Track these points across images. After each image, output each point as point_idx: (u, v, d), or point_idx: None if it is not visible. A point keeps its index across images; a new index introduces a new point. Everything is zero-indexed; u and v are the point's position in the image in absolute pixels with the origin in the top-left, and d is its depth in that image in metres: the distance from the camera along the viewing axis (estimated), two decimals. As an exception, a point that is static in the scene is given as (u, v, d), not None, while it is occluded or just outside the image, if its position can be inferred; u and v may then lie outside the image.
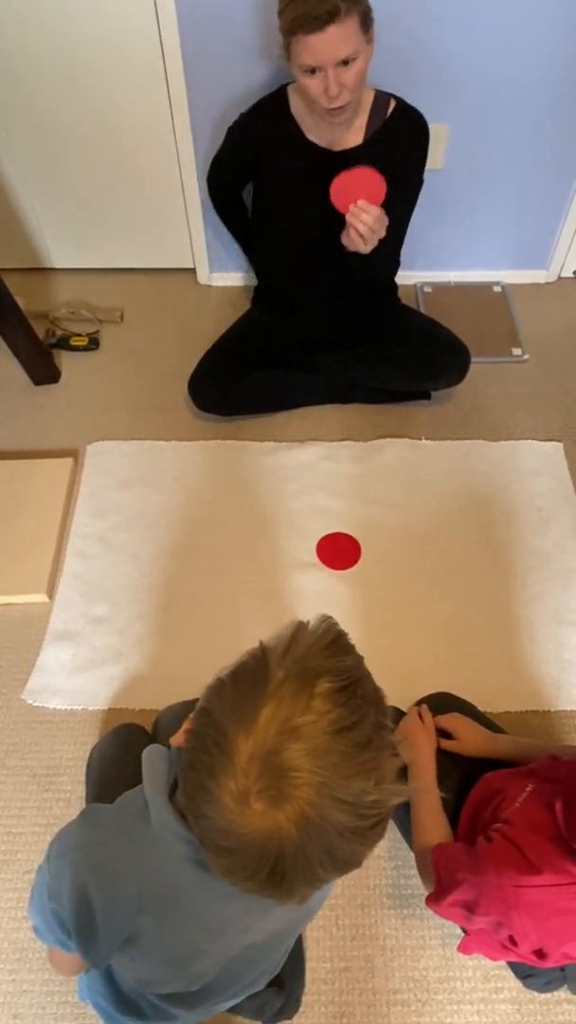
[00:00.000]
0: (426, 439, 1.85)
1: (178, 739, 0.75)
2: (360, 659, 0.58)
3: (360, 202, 1.40)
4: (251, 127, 1.61)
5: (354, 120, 1.53)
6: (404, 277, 2.06)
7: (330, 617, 0.59)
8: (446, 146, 1.87)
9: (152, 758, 0.73)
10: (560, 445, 1.84)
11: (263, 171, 1.65)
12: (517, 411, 1.92)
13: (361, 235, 1.42)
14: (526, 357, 2.03)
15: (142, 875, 0.68)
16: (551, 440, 1.85)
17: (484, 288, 2.21)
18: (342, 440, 1.85)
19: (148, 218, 2.10)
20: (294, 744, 0.51)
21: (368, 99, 1.54)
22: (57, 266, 2.25)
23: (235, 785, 0.52)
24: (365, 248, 1.45)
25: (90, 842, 0.70)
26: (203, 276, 2.22)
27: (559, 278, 2.23)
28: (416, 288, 2.19)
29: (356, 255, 1.49)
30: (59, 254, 2.22)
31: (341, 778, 0.51)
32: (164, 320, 2.14)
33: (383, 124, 1.54)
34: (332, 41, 1.30)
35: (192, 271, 2.23)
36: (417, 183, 1.63)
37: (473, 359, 1.83)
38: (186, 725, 0.59)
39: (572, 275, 2.23)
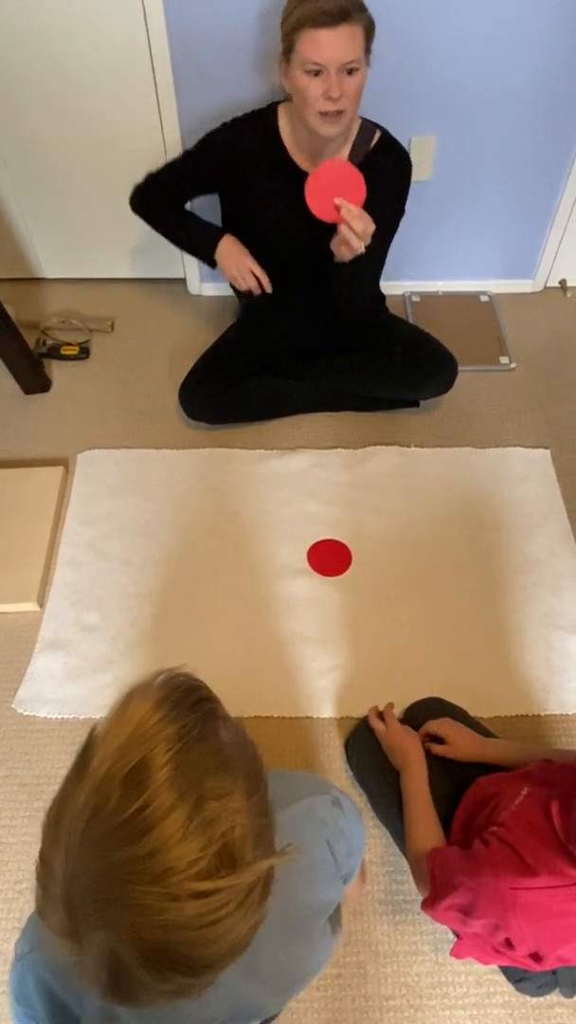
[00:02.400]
0: (416, 446, 1.86)
1: None
2: (201, 715, 0.51)
3: (339, 200, 1.36)
4: (235, 141, 1.56)
5: (342, 146, 1.52)
6: (392, 287, 2.09)
7: (170, 670, 0.54)
8: (433, 157, 1.90)
9: None
10: (548, 452, 1.86)
11: (243, 188, 1.60)
12: (505, 418, 1.94)
13: (356, 233, 1.38)
14: (513, 365, 2.05)
15: None
16: (539, 447, 1.87)
17: (472, 297, 2.24)
18: (332, 447, 1.86)
19: (138, 228, 2.10)
20: (107, 852, 0.45)
21: (354, 127, 1.52)
22: (48, 276, 2.25)
23: (59, 919, 0.47)
24: (360, 248, 1.41)
25: (48, 939, 0.69)
26: (193, 286, 2.23)
27: (545, 288, 2.26)
28: (404, 297, 2.21)
29: (340, 276, 1.50)
30: (50, 264, 2.22)
31: (164, 887, 0.45)
32: (154, 329, 2.15)
33: (366, 156, 1.54)
34: (341, 39, 1.31)
35: (182, 281, 2.24)
36: (395, 218, 1.63)
37: (461, 367, 1.85)
38: None
39: (558, 285, 2.26)
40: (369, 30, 1.36)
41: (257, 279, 1.66)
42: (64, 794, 0.49)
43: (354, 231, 1.39)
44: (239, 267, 1.65)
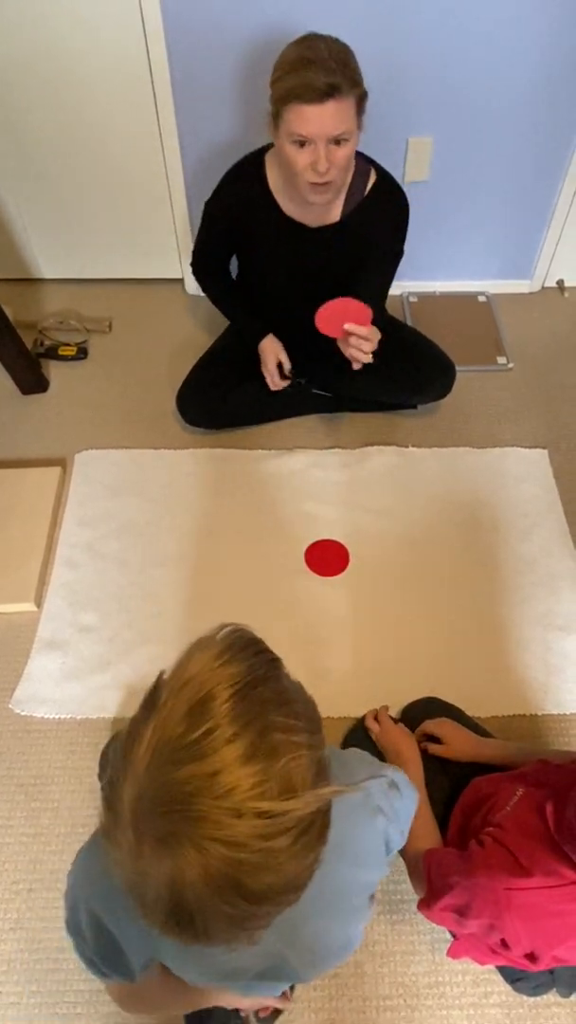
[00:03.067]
0: (413, 447, 1.86)
1: None
2: (261, 662, 0.53)
3: (348, 325, 1.43)
4: (230, 205, 1.56)
5: (340, 191, 1.50)
6: (391, 287, 2.09)
7: (233, 624, 0.55)
8: (431, 158, 1.90)
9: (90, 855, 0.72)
10: (545, 452, 1.86)
11: (244, 238, 1.62)
12: (502, 419, 1.94)
13: (363, 351, 1.46)
14: (511, 366, 2.06)
15: None
16: (536, 447, 1.87)
17: (469, 298, 2.24)
18: (330, 448, 1.86)
19: (136, 229, 2.11)
20: (172, 770, 0.47)
21: (349, 172, 1.48)
22: (46, 276, 2.25)
23: (125, 839, 0.48)
24: (369, 359, 1.49)
25: (97, 873, 0.70)
26: (191, 287, 2.23)
27: (542, 288, 2.26)
28: (402, 298, 2.21)
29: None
30: (48, 265, 2.23)
31: (228, 802, 0.46)
32: (152, 330, 2.15)
33: (362, 201, 1.52)
34: (329, 115, 1.27)
35: (180, 281, 2.24)
36: (394, 256, 1.62)
37: (459, 368, 1.85)
38: None
39: (555, 285, 2.26)
40: (361, 101, 1.32)
41: (283, 368, 1.73)
42: (132, 729, 0.51)
43: (362, 349, 1.45)
44: (266, 369, 1.72)
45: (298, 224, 1.55)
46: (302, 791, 0.48)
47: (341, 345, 1.49)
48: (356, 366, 1.51)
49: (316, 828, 0.50)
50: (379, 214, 1.53)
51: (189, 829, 0.46)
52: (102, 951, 0.70)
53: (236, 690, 0.49)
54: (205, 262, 1.74)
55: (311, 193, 1.41)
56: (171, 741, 0.48)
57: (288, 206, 1.53)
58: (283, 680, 0.54)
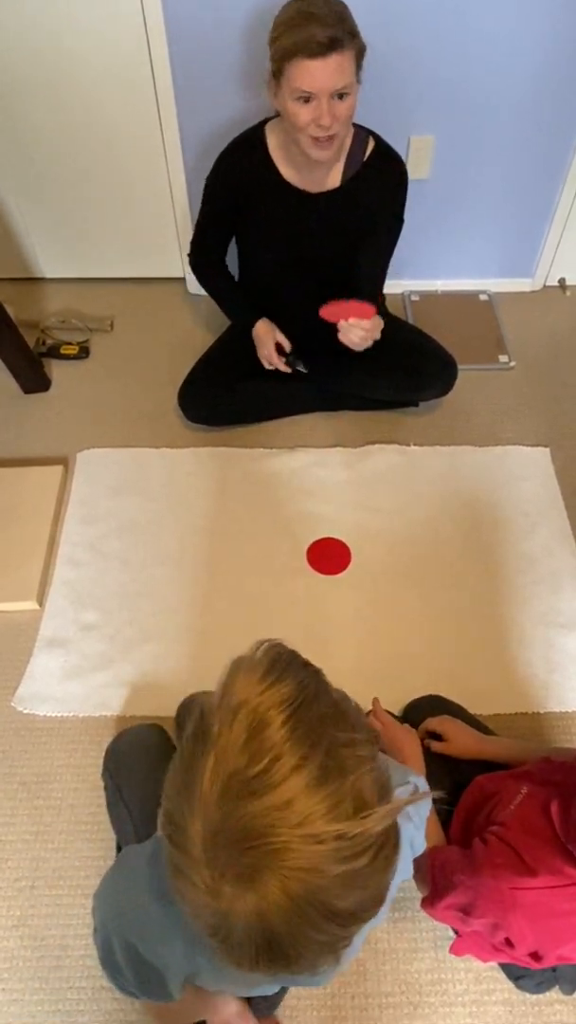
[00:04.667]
0: (415, 445, 1.86)
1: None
2: (309, 676, 0.52)
3: (351, 319, 1.47)
4: (229, 173, 1.56)
5: (337, 159, 1.51)
6: (392, 286, 2.08)
7: (269, 640, 0.54)
8: (432, 157, 1.90)
9: (130, 862, 0.73)
10: (547, 450, 1.86)
11: (245, 212, 1.61)
12: (504, 417, 1.94)
13: (355, 342, 1.51)
14: (512, 364, 2.05)
15: (185, 931, 0.67)
16: (538, 445, 1.87)
17: (471, 296, 2.24)
18: (332, 446, 1.86)
19: (137, 228, 2.12)
20: (244, 805, 0.45)
21: (348, 138, 1.50)
22: (47, 276, 2.26)
23: (200, 879, 0.47)
24: (360, 348, 1.53)
25: (128, 905, 0.70)
26: (192, 285, 2.23)
27: (544, 286, 2.26)
28: (404, 297, 2.21)
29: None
30: (49, 264, 2.23)
31: (306, 829, 0.45)
32: (154, 329, 2.15)
33: (361, 167, 1.53)
34: (332, 69, 1.29)
35: (182, 280, 2.24)
36: (395, 224, 1.63)
37: (460, 366, 1.85)
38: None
39: (557, 284, 2.26)
40: (360, 54, 1.34)
41: (283, 351, 1.73)
42: (188, 763, 0.49)
43: (360, 339, 1.51)
44: (264, 355, 1.71)
45: (298, 190, 1.55)
46: (374, 806, 0.48)
47: (340, 330, 1.51)
48: (347, 344, 1.54)
49: (392, 840, 0.49)
50: (379, 179, 1.54)
51: (271, 861, 0.45)
52: (143, 982, 0.70)
53: (292, 712, 0.48)
54: (203, 248, 1.74)
55: (314, 148, 1.42)
56: (236, 774, 0.46)
57: (288, 172, 1.53)
58: (332, 692, 0.53)
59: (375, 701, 1.34)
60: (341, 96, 1.34)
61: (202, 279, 1.80)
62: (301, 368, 1.75)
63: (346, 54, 1.30)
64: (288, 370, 1.72)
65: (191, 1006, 0.86)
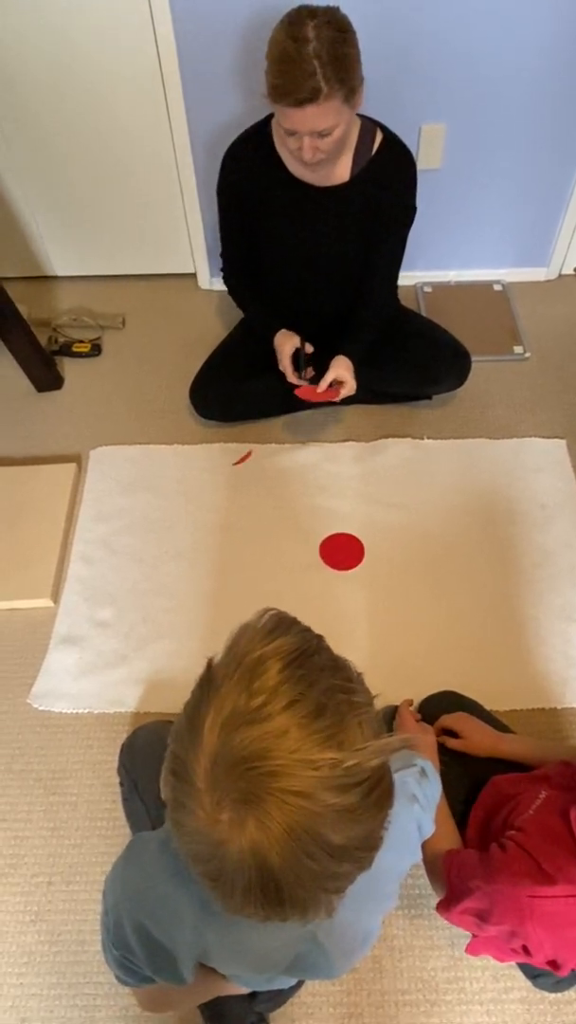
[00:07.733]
0: (428, 438, 1.84)
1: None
2: (310, 636, 0.55)
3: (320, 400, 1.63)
4: (236, 171, 1.55)
5: (338, 160, 1.49)
6: (404, 277, 2.06)
7: (271, 608, 0.57)
8: (443, 145, 1.87)
9: (141, 847, 0.74)
10: (563, 442, 1.83)
11: (254, 207, 1.60)
12: (519, 409, 1.91)
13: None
14: (527, 355, 2.03)
15: (194, 909, 0.68)
16: (554, 437, 1.84)
17: (484, 287, 2.21)
18: (344, 441, 1.85)
19: (148, 225, 2.11)
20: (243, 732, 0.48)
21: (354, 132, 1.48)
22: (59, 274, 2.26)
23: (200, 806, 0.49)
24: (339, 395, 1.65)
25: (139, 887, 0.71)
26: (204, 281, 2.23)
27: (559, 275, 2.23)
28: (416, 288, 2.19)
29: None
30: (61, 262, 2.23)
31: (302, 755, 0.47)
32: (166, 325, 2.15)
33: (370, 161, 1.51)
34: (310, 117, 1.28)
35: (193, 276, 2.24)
36: (406, 219, 1.61)
37: (474, 358, 1.83)
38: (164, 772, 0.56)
39: (572, 272, 2.22)
40: (349, 93, 1.30)
41: (303, 357, 1.72)
42: (194, 709, 0.52)
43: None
44: (282, 365, 1.68)
45: (307, 185, 1.54)
46: (369, 742, 0.50)
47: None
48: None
49: (385, 784, 0.51)
50: (389, 171, 1.53)
51: (268, 783, 0.47)
52: (154, 961, 0.71)
53: (292, 659, 0.51)
54: (233, 261, 1.71)
55: (305, 171, 1.46)
56: (236, 709, 0.49)
57: (296, 167, 1.52)
58: (332, 652, 0.56)
59: (405, 702, 1.34)
60: (325, 134, 1.33)
61: (235, 297, 1.78)
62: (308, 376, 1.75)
63: (328, 103, 1.26)
64: (303, 384, 1.72)
65: (190, 993, 0.86)
